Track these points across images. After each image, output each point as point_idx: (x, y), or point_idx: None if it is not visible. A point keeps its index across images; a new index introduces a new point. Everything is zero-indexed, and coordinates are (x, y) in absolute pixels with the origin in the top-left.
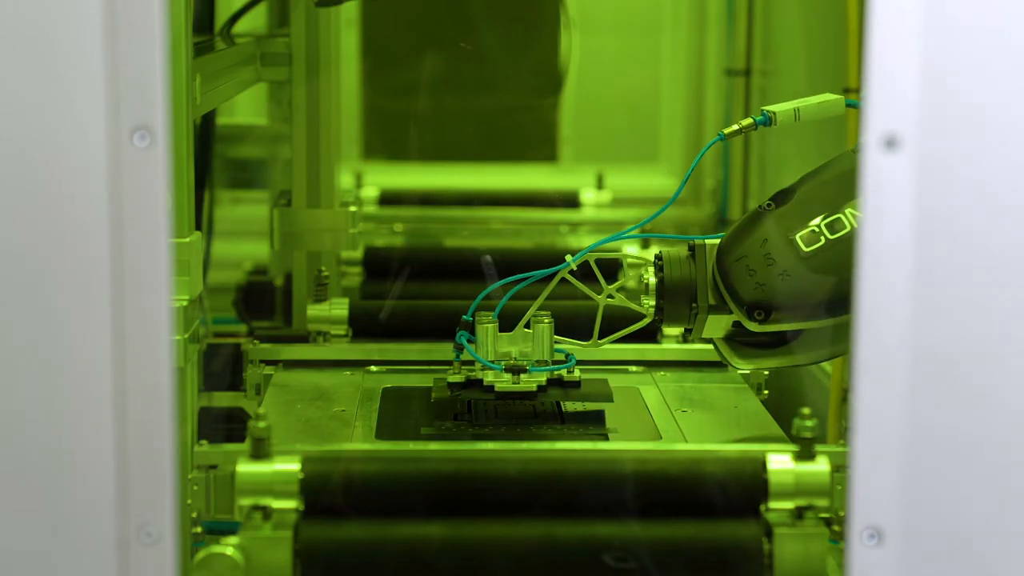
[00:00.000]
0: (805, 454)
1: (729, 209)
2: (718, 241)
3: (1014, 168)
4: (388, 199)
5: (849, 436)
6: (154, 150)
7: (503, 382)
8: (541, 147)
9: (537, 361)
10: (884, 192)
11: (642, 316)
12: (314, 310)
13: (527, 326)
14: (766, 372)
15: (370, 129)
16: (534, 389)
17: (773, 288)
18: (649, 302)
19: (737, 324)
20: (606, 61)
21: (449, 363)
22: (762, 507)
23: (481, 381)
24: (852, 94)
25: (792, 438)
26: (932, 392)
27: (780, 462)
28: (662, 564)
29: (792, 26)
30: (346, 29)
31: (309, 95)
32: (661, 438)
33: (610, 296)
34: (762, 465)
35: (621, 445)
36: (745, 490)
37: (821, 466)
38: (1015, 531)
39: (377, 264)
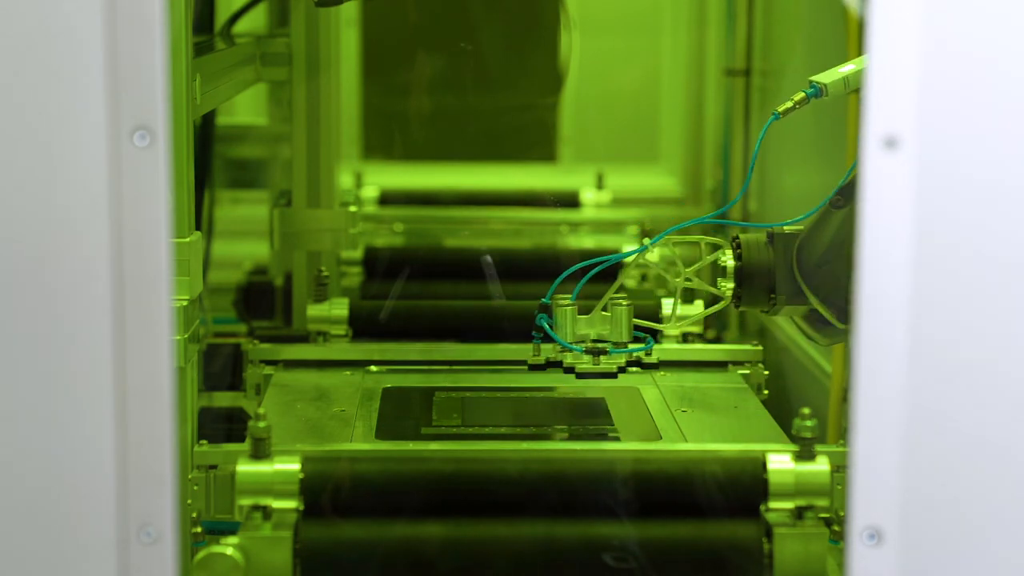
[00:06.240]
0: (805, 454)
1: (729, 209)
2: (795, 228)
3: (1014, 168)
4: (388, 199)
5: (849, 436)
6: (154, 150)
7: (583, 364)
8: (541, 147)
9: (616, 343)
10: (884, 192)
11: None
12: (314, 310)
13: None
14: (766, 372)
15: (370, 129)
16: (614, 370)
17: None
18: (727, 285)
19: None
20: (606, 61)
21: (449, 363)
22: (762, 507)
23: (561, 363)
24: (852, 94)
25: (792, 438)
26: (932, 392)
27: (780, 462)
28: (662, 564)
29: (792, 26)
30: (346, 29)
31: (309, 95)
32: (661, 438)
33: (688, 279)
34: (762, 465)
35: (621, 445)
36: (745, 490)
37: (821, 466)
38: (1015, 531)
39: (377, 264)
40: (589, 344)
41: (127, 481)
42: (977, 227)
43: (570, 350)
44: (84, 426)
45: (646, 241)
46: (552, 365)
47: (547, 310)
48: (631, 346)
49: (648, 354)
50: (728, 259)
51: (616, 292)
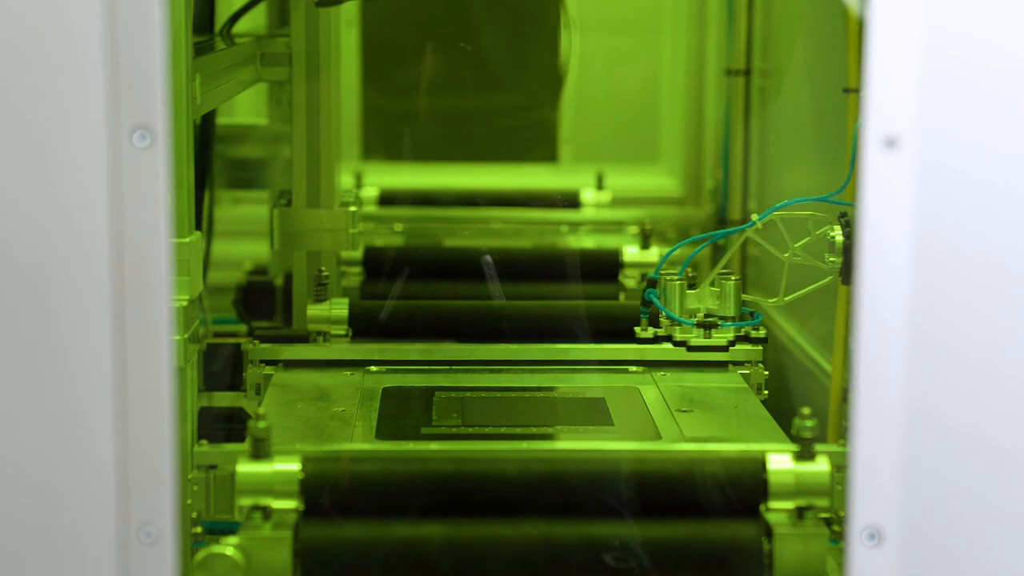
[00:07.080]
0: (805, 454)
1: (729, 209)
2: None
3: (1014, 168)
4: (388, 199)
5: (849, 436)
6: (154, 150)
7: (695, 337)
8: (541, 147)
9: (723, 317)
10: (884, 192)
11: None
12: (314, 310)
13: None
14: (766, 372)
15: (370, 129)
16: (724, 344)
17: None
18: (834, 260)
19: None
20: (606, 61)
21: (449, 363)
22: (762, 507)
23: (671, 337)
24: (852, 94)
25: (792, 438)
26: (932, 392)
27: (780, 462)
28: (662, 564)
29: (792, 26)
30: (346, 29)
31: (309, 95)
32: (661, 438)
33: (795, 255)
34: (762, 465)
35: (621, 445)
36: (745, 490)
37: (821, 466)
38: (1015, 531)
39: (377, 264)
40: (700, 318)
41: (127, 481)
42: (977, 227)
43: (680, 324)
44: (84, 427)
45: (754, 216)
46: (661, 340)
47: (654, 284)
48: (739, 321)
49: (756, 329)
50: (837, 234)
51: (725, 268)
